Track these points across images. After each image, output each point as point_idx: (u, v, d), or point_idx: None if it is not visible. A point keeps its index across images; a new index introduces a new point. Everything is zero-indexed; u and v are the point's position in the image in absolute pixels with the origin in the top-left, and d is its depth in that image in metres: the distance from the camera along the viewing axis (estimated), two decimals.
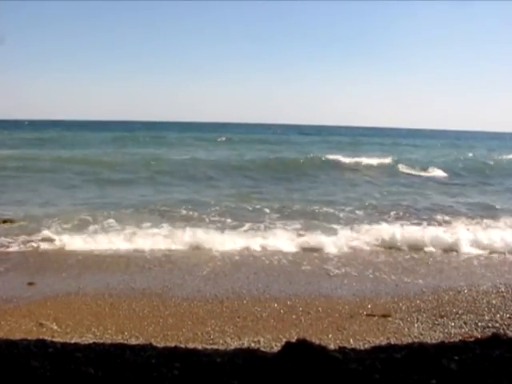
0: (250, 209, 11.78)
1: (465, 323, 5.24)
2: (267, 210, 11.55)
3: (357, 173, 21.19)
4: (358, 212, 11.79)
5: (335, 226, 9.91)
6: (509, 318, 5.36)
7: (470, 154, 30.38)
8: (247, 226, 9.82)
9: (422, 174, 21.26)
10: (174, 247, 8.34)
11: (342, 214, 11.39)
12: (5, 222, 9.57)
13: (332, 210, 11.77)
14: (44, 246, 8.12)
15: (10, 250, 7.88)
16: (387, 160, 24.08)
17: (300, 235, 9.14)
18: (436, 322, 5.28)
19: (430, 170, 21.87)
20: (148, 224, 9.60)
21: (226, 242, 8.50)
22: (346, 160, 23.58)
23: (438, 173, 21.35)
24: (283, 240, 8.72)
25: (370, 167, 22.69)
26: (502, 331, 4.91)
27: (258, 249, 8.32)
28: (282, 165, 21.58)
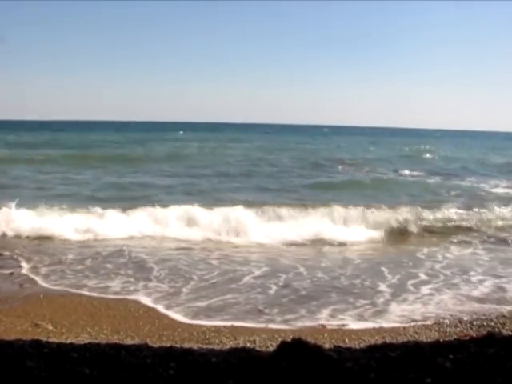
0: None
1: (460, 322, 5.25)
2: None
3: None
4: None
5: None
6: (503, 316, 5.38)
7: None
8: None
9: None
10: None
11: None
12: None
13: None
14: None
15: None
16: None
17: None
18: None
19: None
20: None
21: None
22: None
23: None
24: None
25: None
26: (496, 330, 4.93)
27: None
28: None
